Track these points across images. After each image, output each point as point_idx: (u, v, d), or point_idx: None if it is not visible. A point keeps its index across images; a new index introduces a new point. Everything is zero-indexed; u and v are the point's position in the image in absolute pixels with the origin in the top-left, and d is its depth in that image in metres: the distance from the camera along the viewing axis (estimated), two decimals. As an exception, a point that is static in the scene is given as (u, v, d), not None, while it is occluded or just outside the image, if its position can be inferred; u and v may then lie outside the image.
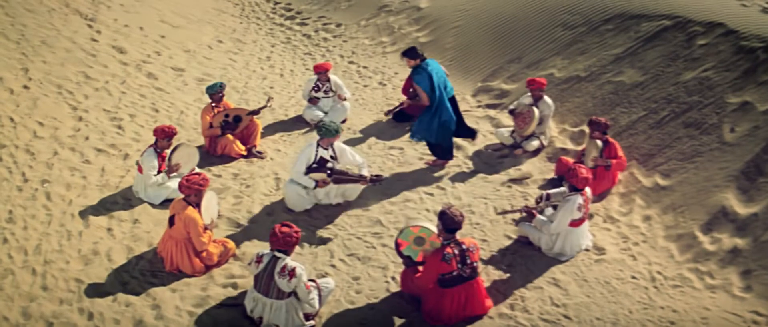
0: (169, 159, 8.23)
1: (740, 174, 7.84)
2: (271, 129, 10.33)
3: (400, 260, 7.24)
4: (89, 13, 12.59)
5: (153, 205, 8.14)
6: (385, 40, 13.53)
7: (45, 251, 7.17)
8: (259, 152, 9.54)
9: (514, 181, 8.47)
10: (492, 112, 10.58)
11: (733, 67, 8.96)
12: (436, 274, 6.35)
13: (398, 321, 6.55)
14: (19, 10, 11.83)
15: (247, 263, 6.50)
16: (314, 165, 8.04)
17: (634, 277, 7.05)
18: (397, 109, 10.21)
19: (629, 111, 9.36)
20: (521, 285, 6.97)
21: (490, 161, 9.27)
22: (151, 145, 8.20)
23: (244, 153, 9.47)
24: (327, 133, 7.95)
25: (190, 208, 6.91)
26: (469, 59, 12.05)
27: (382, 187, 8.67)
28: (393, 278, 7.09)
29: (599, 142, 8.31)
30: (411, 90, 10.50)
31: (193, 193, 6.92)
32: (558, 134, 9.65)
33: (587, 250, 7.45)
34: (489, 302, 6.65)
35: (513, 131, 9.59)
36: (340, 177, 8.03)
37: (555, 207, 7.51)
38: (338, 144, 8.18)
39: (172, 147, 8.25)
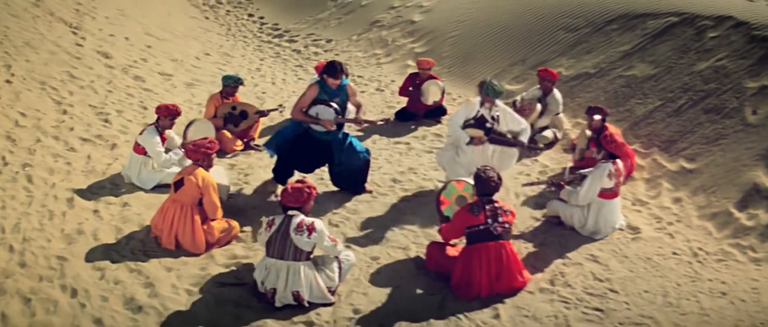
0: (184, 136, 7.68)
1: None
2: (266, 130, 9.73)
3: (422, 239, 6.69)
4: (73, 21, 12.04)
5: (145, 191, 7.45)
6: (379, 53, 13.20)
7: (24, 229, 6.40)
8: (257, 146, 8.94)
9: (531, 184, 7.83)
10: (498, 112, 10.16)
11: (747, 55, 8.73)
12: (463, 226, 5.83)
13: (427, 298, 5.88)
14: (3, 15, 11.21)
15: (257, 233, 5.85)
16: (472, 121, 7.32)
17: (675, 253, 6.54)
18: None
19: (644, 102, 9.02)
20: (558, 262, 6.40)
21: (504, 152, 8.79)
22: (151, 124, 7.59)
23: (241, 147, 8.86)
24: (492, 92, 7.27)
25: (202, 169, 6.29)
26: (469, 65, 11.72)
27: (392, 175, 8.16)
28: (417, 257, 6.46)
29: (588, 132, 7.93)
30: (410, 88, 10.08)
31: (201, 157, 6.34)
32: (572, 128, 9.24)
33: (621, 229, 6.93)
34: (526, 274, 6.04)
35: (525, 127, 9.17)
36: (497, 137, 7.33)
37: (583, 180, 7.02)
38: (502, 106, 7.51)
39: (180, 124, 7.70)
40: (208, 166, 6.45)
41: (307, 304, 5.60)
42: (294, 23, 15.59)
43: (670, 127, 8.47)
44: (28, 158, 7.75)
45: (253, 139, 8.98)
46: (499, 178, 5.95)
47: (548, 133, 8.96)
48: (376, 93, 11.41)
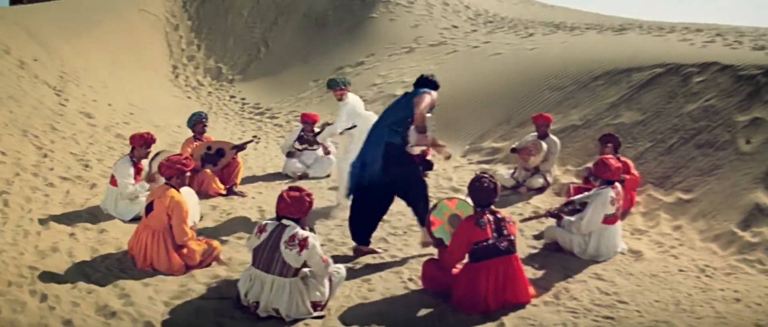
0: (150, 166, 7.34)
1: (766, 176, 7.35)
2: (249, 180, 9.51)
3: (415, 266, 6.31)
4: (57, 85, 11.98)
5: (124, 221, 7.07)
6: (363, 124, 13.17)
7: (-3, 243, 6.00)
8: (240, 192, 8.64)
9: (527, 219, 7.58)
10: (486, 166, 10.04)
11: (735, 93, 8.79)
12: (469, 242, 5.39)
13: (424, 312, 5.46)
14: (-12, 73, 11.21)
15: (247, 240, 5.47)
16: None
17: (681, 270, 6.22)
18: None
19: (635, 145, 8.95)
20: (561, 280, 6.03)
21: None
22: (126, 154, 7.32)
23: (223, 191, 8.56)
24: (343, 83, 8.27)
25: (173, 190, 5.94)
26: (452, 129, 11.64)
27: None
28: (410, 279, 6.06)
29: (589, 164, 7.88)
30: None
31: (175, 174, 6.00)
32: (562, 173, 9.10)
33: (622, 253, 6.63)
34: (532, 290, 5.65)
35: (513, 172, 9.01)
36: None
37: (581, 208, 6.79)
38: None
39: (150, 156, 7.39)
40: (180, 185, 6.10)
41: (287, 319, 5.16)
42: (275, 102, 15.66)
43: (663, 165, 8.36)
44: (6, 188, 7.42)
45: (236, 184, 8.70)
46: (495, 185, 5.68)
47: (540, 179, 8.79)
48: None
